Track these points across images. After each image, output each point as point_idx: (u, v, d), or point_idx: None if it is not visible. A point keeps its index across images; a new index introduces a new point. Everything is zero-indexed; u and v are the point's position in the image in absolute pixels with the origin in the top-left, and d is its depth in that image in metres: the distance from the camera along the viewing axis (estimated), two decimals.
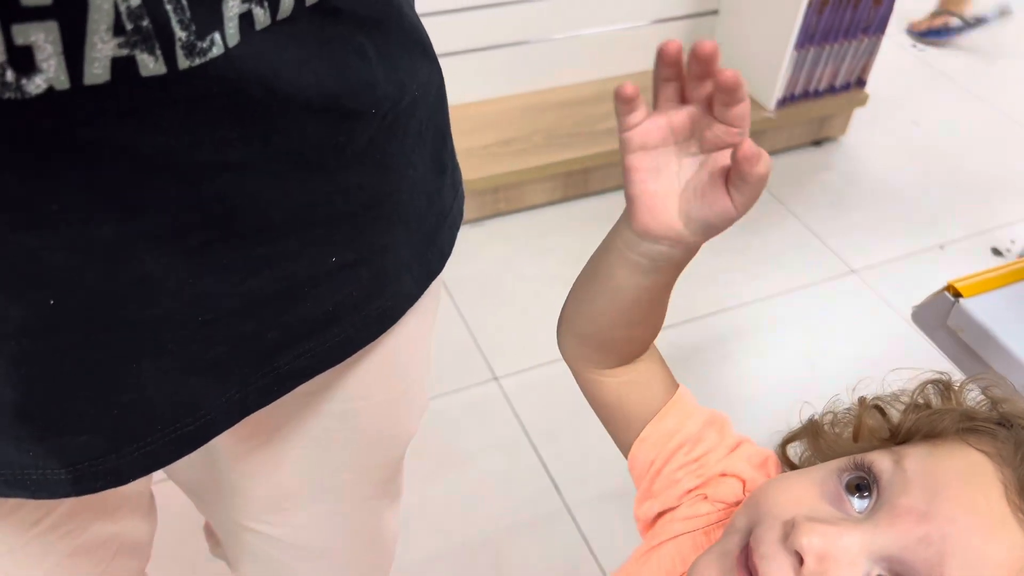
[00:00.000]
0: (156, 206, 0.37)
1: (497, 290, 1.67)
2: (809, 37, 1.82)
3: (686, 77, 0.43)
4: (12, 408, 0.40)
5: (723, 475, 0.53)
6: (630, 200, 0.46)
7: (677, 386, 0.56)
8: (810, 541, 0.38)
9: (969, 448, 0.41)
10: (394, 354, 0.58)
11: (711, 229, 0.44)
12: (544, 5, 1.77)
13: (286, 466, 0.61)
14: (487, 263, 1.71)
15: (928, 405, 0.47)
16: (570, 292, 0.55)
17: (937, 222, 1.87)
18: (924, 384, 0.47)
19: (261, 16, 0.36)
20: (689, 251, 0.47)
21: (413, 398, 0.65)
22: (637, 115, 0.43)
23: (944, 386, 0.47)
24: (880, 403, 0.48)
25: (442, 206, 0.55)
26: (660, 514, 0.56)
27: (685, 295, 1.69)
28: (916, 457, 0.41)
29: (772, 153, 2.00)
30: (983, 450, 0.40)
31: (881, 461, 0.42)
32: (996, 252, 1.80)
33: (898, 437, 0.46)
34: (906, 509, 0.39)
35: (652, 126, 0.44)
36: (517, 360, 1.55)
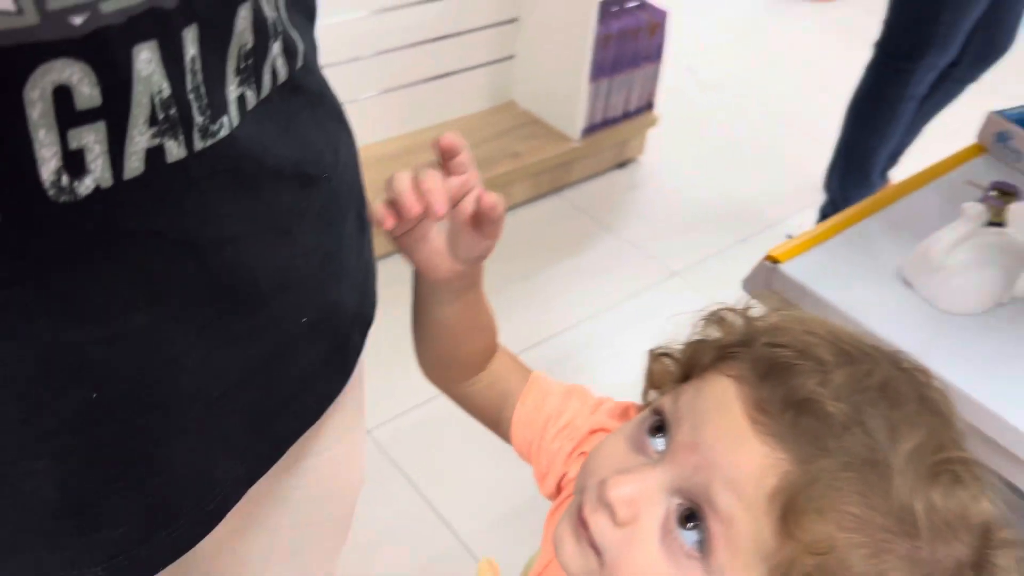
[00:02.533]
0: (177, 287, 0.38)
1: None
2: (600, 70, 1.99)
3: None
4: (52, 506, 0.39)
5: (592, 431, 0.59)
6: (415, 268, 0.55)
7: (531, 372, 0.64)
8: (616, 493, 0.43)
9: (721, 375, 0.44)
10: (347, 403, 0.60)
11: (481, 258, 0.55)
12: (343, 68, 1.82)
13: (252, 531, 0.60)
14: None
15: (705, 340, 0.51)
16: (413, 339, 0.64)
17: (736, 220, 2.09)
18: (699, 320, 0.51)
19: (251, 97, 0.39)
20: (476, 274, 0.57)
21: (362, 443, 0.68)
22: (390, 223, 0.51)
23: (717, 317, 0.50)
24: (666, 349, 0.52)
25: (367, 261, 0.58)
26: (559, 484, 0.61)
27: (529, 321, 1.79)
28: (687, 394, 0.46)
29: (583, 179, 2.16)
30: (730, 375, 0.44)
31: (664, 402, 0.47)
32: (789, 238, 2.03)
33: (683, 377, 0.50)
34: (681, 444, 0.44)
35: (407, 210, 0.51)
36: (384, 410, 1.56)
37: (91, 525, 0.40)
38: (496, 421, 0.64)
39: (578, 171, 2.13)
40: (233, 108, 0.38)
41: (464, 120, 2.07)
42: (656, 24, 2.03)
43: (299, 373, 0.49)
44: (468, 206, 0.51)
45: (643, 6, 2.03)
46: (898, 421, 0.41)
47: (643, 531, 0.43)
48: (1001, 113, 1.03)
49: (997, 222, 0.86)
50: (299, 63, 0.44)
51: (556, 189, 2.12)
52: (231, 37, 0.37)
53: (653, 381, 0.53)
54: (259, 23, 0.39)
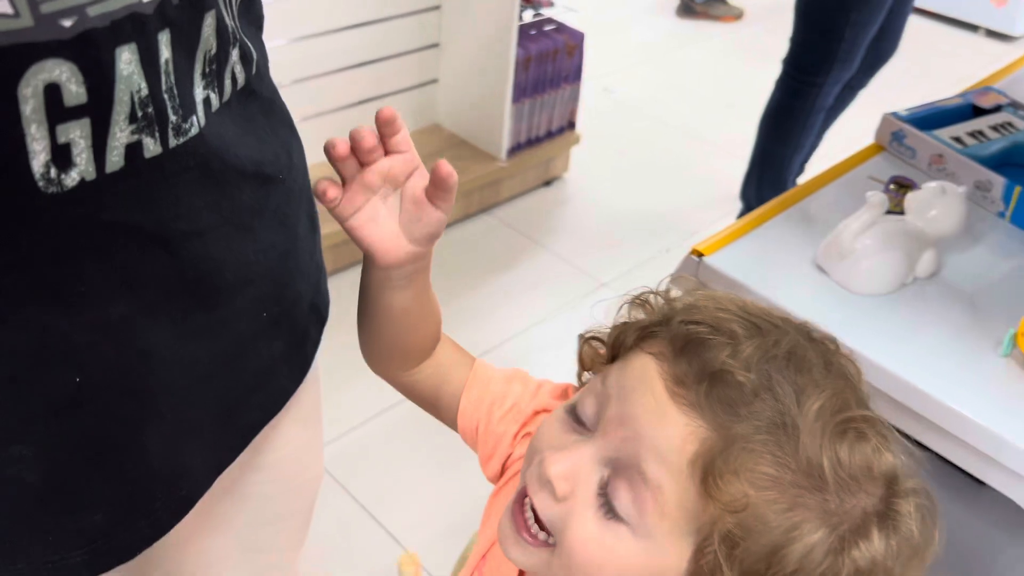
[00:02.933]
0: (152, 279, 0.40)
1: None
2: (522, 91, 2.05)
3: (357, 150, 0.52)
4: (35, 491, 0.40)
5: (536, 412, 0.62)
6: (365, 251, 0.55)
7: (474, 360, 0.66)
8: (553, 469, 0.47)
9: (643, 353, 0.48)
10: (305, 398, 0.62)
11: (434, 235, 0.55)
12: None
13: (217, 529, 0.61)
14: None
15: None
16: (359, 330, 0.64)
17: (660, 231, 2.17)
18: (623, 304, 0.55)
19: (214, 100, 0.42)
20: (427, 256, 0.57)
21: (320, 438, 0.69)
22: (332, 192, 0.52)
23: (640, 300, 0.53)
24: (595, 333, 0.56)
25: (318, 261, 0.61)
26: (504, 465, 0.64)
27: (464, 338, 1.81)
28: (612, 373, 0.49)
29: (511, 197, 2.22)
30: (651, 352, 0.47)
31: (595, 383, 0.51)
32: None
33: (611, 358, 0.53)
34: (610, 419, 0.48)
35: (352, 193, 0.53)
36: (326, 431, 1.56)
37: (73, 510, 0.42)
38: (440, 407, 0.66)
39: (506, 190, 2.18)
40: (200, 109, 0.41)
41: None
42: (574, 46, 2.11)
43: (261, 366, 0.52)
44: (418, 181, 0.53)
45: (561, 29, 2.11)
46: (804, 385, 0.45)
47: (581, 502, 0.46)
48: (895, 114, 1.12)
49: (897, 212, 0.94)
50: (254, 70, 0.47)
51: (486, 208, 2.16)
52: (199, 42, 0.40)
53: (584, 364, 0.57)
54: (221, 30, 0.42)
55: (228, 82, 0.44)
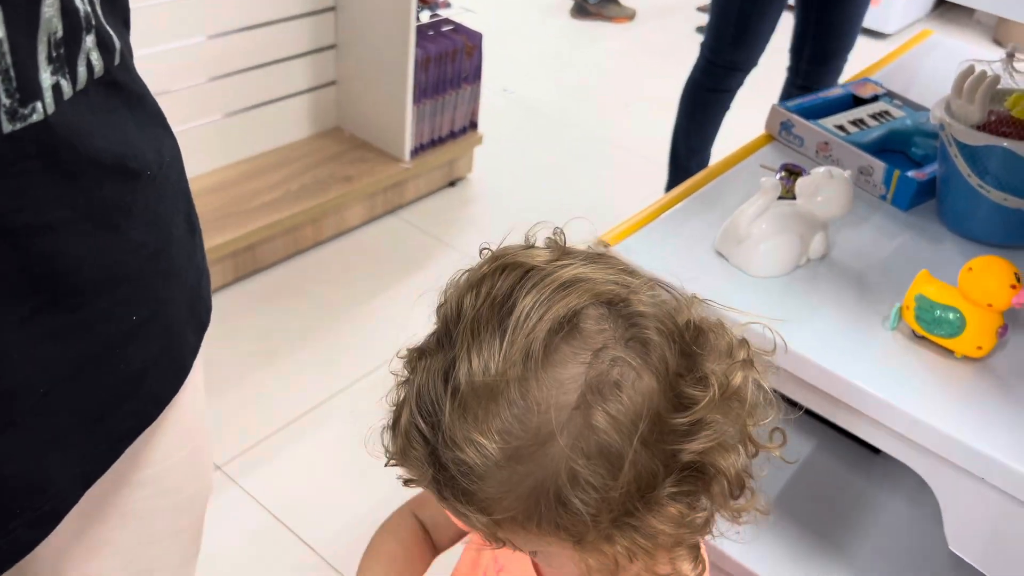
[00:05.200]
0: None
1: None
2: (423, 92, 2.04)
3: None
4: None
5: None
6: None
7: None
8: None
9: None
10: (185, 407, 0.60)
11: None
12: (165, 100, 1.77)
13: (102, 550, 0.58)
14: None
15: None
16: None
17: (568, 228, 2.20)
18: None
19: (66, 87, 0.40)
20: None
21: (206, 450, 0.67)
22: None
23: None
24: (405, 477, 0.60)
25: (198, 263, 0.59)
26: None
27: (377, 341, 1.80)
28: None
29: (415, 199, 2.20)
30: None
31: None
32: None
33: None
34: None
35: None
36: (233, 443, 1.52)
37: None
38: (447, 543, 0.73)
39: (411, 191, 2.17)
40: (48, 95, 0.39)
41: (291, 147, 2.06)
42: (472, 46, 2.12)
43: (132, 371, 0.50)
44: None
45: (458, 29, 2.11)
46: (491, 409, 0.45)
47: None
48: (783, 105, 1.17)
49: (789, 197, 0.98)
50: (116, 60, 0.45)
51: (391, 210, 2.14)
52: (38, 22, 0.38)
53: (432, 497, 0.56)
54: (69, 13, 0.40)
55: (83, 69, 0.42)
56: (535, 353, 0.45)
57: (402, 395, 0.50)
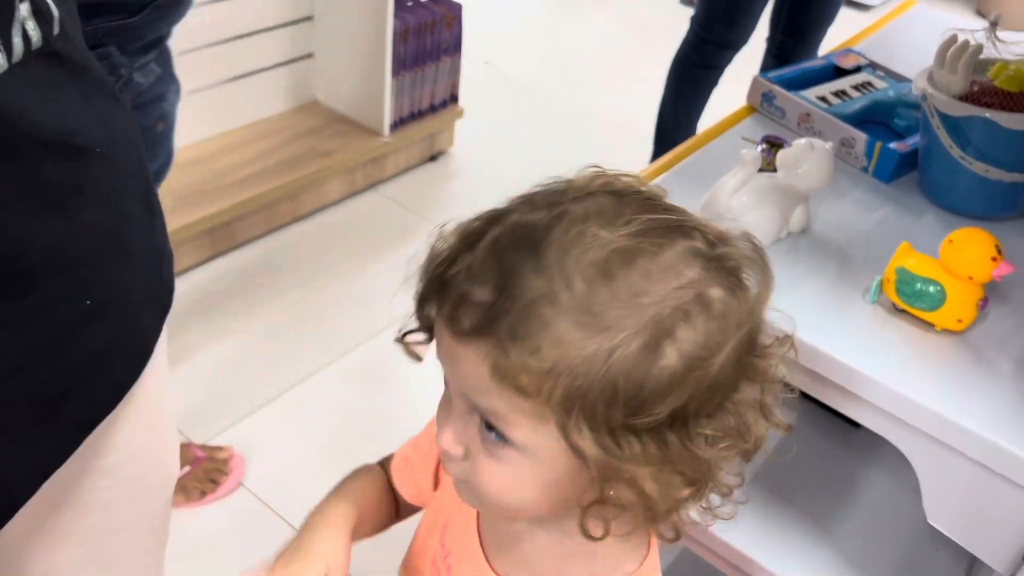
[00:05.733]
0: None
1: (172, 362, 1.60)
2: (401, 64, 2.01)
3: None
4: None
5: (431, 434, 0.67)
6: None
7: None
8: (442, 441, 0.52)
9: (437, 318, 0.51)
10: (148, 393, 0.58)
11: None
12: None
13: (64, 542, 0.57)
14: None
15: None
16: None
17: None
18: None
19: (1, 60, 0.37)
20: None
21: (170, 435, 0.65)
22: None
23: (417, 296, 0.57)
24: (404, 330, 0.59)
25: (158, 244, 0.57)
26: (436, 477, 0.68)
27: (356, 318, 1.78)
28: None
29: (395, 174, 2.18)
30: (438, 314, 0.50)
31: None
32: None
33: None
34: (447, 379, 0.53)
35: None
36: (211, 425, 1.50)
37: None
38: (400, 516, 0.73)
39: (391, 166, 2.14)
40: None
41: (268, 121, 2.03)
42: (452, 17, 2.08)
43: (87, 358, 0.48)
44: None
45: (437, 0, 2.08)
46: (537, 256, 0.46)
47: (475, 452, 0.51)
48: (765, 75, 1.16)
49: (770, 170, 0.96)
50: (55, 30, 0.43)
51: (371, 185, 2.12)
52: None
53: (417, 357, 0.60)
54: None
55: (18, 40, 0.39)
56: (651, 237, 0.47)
57: (474, 225, 0.50)
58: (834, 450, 1.06)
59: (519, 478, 0.50)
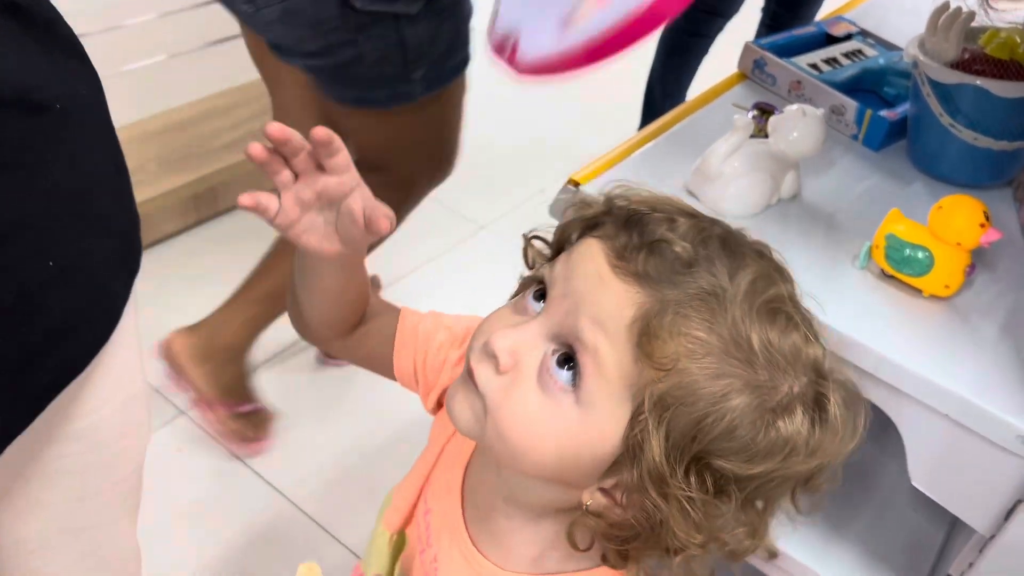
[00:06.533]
0: None
1: (157, 330, 1.58)
2: None
3: (289, 156, 0.53)
4: None
5: (469, 330, 0.62)
6: (310, 256, 0.56)
7: (399, 309, 0.67)
8: (499, 344, 0.49)
9: (588, 238, 0.52)
10: (116, 358, 0.57)
11: (376, 242, 0.56)
12: (120, 36, 1.70)
13: (33, 510, 0.56)
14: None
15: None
16: (290, 306, 0.65)
17: (531, 174, 2.17)
18: (567, 208, 0.58)
19: None
20: (365, 246, 0.57)
21: (141, 398, 0.64)
22: (271, 209, 0.53)
23: (581, 201, 0.57)
24: (537, 233, 0.60)
25: (127, 206, 0.56)
26: (439, 400, 0.65)
27: None
28: (560, 260, 0.52)
29: None
30: (596, 236, 0.51)
31: (543, 270, 0.54)
32: None
33: (556, 253, 0.57)
34: (555, 296, 0.50)
35: (287, 207, 0.53)
36: None
37: None
38: (378, 362, 0.67)
39: None
40: None
41: (252, 86, 1.98)
42: None
43: (51, 322, 0.47)
44: (356, 200, 0.52)
45: None
46: (737, 263, 0.48)
47: (522, 376, 0.48)
48: (756, 42, 1.15)
49: (761, 136, 0.96)
50: None
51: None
52: None
53: (528, 262, 0.59)
54: None
55: None
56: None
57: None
58: None
59: (550, 425, 0.48)
